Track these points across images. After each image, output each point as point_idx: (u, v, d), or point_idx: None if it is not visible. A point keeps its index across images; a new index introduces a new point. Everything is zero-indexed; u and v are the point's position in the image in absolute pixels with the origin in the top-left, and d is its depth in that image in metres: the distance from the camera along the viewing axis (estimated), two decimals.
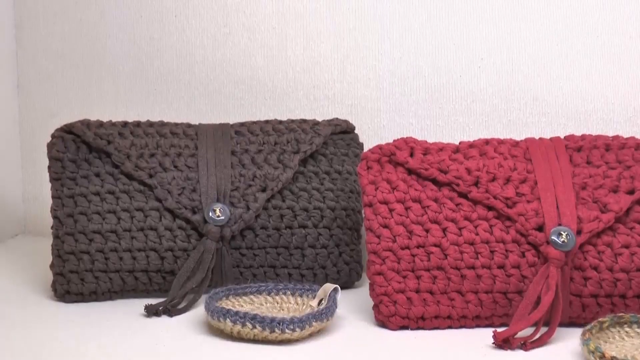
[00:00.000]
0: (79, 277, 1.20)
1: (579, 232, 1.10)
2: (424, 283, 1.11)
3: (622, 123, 1.27)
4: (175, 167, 1.25)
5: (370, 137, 1.36)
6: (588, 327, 1.02)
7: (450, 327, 1.12)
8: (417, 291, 1.11)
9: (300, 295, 1.17)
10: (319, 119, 1.33)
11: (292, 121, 1.31)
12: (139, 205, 1.22)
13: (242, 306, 1.15)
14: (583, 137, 1.19)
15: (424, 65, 1.36)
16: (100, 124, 1.27)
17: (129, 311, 1.16)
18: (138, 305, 1.16)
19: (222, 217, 1.21)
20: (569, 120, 1.31)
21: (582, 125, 1.29)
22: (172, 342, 1.06)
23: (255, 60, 1.42)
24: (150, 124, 1.29)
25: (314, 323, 1.05)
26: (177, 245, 1.21)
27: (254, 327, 1.04)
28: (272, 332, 1.04)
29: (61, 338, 1.08)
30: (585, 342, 0.98)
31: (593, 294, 1.11)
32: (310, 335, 1.07)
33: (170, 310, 1.15)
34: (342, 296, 1.15)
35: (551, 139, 1.19)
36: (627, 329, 1.06)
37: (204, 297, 1.15)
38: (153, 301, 1.16)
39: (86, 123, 1.27)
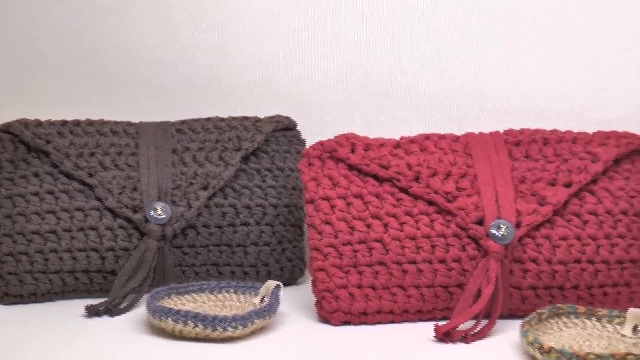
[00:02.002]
0: (18, 278, 1.19)
1: (518, 225, 1.11)
2: (366, 278, 1.12)
3: (560, 117, 1.28)
4: (116, 166, 1.24)
5: (313, 134, 1.36)
6: (527, 318, 1.03)
7: (392, 321, 1.12)
8: (359, 286, 1.12)
9: (243, 293, 1.17)
10: (262, 116, 1.33)
11: (234, 118, 1.31)
12: (79, 205, 1.21)
13: (184, 305, 1.15)
14: (522, 131, 1.21)
15: (366, 62, 1.36)
16: (38, 123, 1.26)
17: (69, 312, 1.15)
18: (79, 306, 1.15)
19: (164, 216, 1.20)
20: (508, 115, 1.32)
21: (522, 119, 1.30)
22: (113, 343, 1.05)
23: (197, 58, 1.41)
24: (90, 122, 1.28)
25: (256, 320, 1.05)
26: (118, 245, 1.20)
27: (196, 325, 1.03)
28: (214, 330, 1.03)
29: (0, 341, 1.06)
30: (524, 334, 0.99)
31: (532, 286, 1.12)
32: (253, 333, 1.07)
33: (112, 310, 1.14)
34: (285, 293, 1.15)
35: (491, 134, 1.20)
36: (565, 320, 1.07)
37: (145, 297, 1.14)
38: (94, 302, 1.15)
39: (24, 122, 1.25)
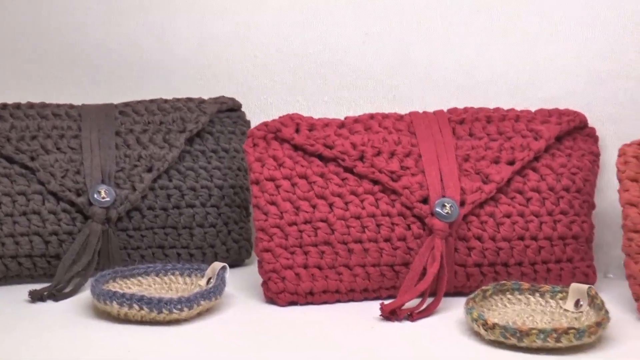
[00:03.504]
0: None
1: (462, 204, 1.12)
2: (312, 258, 1.12)
3: (503, 95, 1.29)
4: (58, 149, 1.22)
5: (257, 115, 1.35)
6: (471, 295, 1.04)
7: (338, 301, 1.13)
8: (305, 267, 1.12)
9: (189, 275, 1.16)
10: (206, 97, 1.32)
11: (178, 100, 1.30)
12: (21, 189, 1.19)
13: (129, 288, 1.14)
14: (465, 109, 1.21)
15: (309, 42, 1.36)
16: None
17: (12, 298, 1.13)
18: (22, 291, 1.13)
19: (108, 199, 1.19)
20: (453, 94, 1.32)
21: (466, 98, 1.30)
22: (58, 328, 1.04)
23: (141, 40, 1.39)
24: (31, 105, 1.26)
25: (202, 302, 1.05)
26: (61, 229, 1.19)
27: (141, 308, 1.03)
28: (159, 313, 1.03)
29: None
30: (469, 311, 1.00)
31: (477, 264, 1.13)
32: (199, 315, 1.06)
33: (56, 295, 1.13)
34: (232, 274, 1.15)
35: (435, 113, 1.21)
36: (510, 296, 1.08)
37: (90, 281, 1.13)
38: (38, 286, 1.14)
39: None
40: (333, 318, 1.07)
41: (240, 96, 1.36)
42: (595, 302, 1.03)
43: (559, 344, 0.94)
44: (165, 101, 1.29)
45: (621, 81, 1.25)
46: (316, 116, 1.21)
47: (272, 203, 1.13)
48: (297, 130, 1.17)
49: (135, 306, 1.03)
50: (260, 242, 1.12)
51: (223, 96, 1.32)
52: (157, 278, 1.16)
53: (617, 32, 1.26)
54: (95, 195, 1.19)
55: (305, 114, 1.21)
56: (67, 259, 1.16)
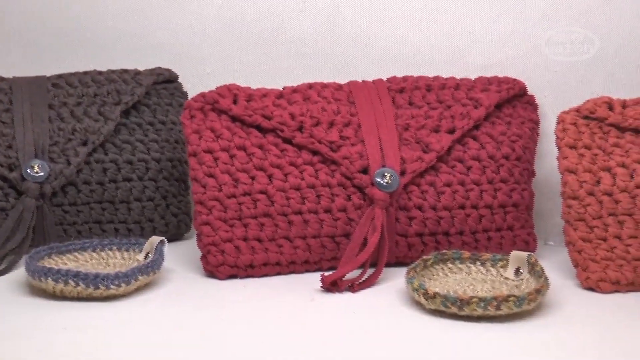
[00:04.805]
0: None
1: (402, 173, 1.11)
2: (252, 231, 1.10)
3: (443, 64, 1.28)
4: None
5: (195, 86, 1.33)
6: (412, 265, 1.04)
7: (279, 273, 1.12)
8: (245, 239, 1.10)
9: (127, 250, 1.14)
10: (142, 69, 1.29)
11: (113, 72, 1.27)
12: None
13: (65, 264, 1.12)
14: (405, 78, 1.21)
15: (247, 10, 1.33)
16: None
17: None
18: None
19: (42, 174, 1.17)
20: (392, 62, 1.31)
21: (406, 67, 1.29)
22: None
23: (72, 9, 1.36)
24: None
25: (139, 277, 1.03)
26: None
27: (77, 284, 1.01)
28: (96, 288, 1.01)
29: None
30: (410, 280, 1.00)
31: (418, 233, 1.13)
32: (138, 290, 1.05)
33: None
34: (171, 248, 1.13)
35: (374, 82, 1.20)
36: (450, 265, 1.08)
37: (25, 258, 1.10)
38: None
39: None
40: (273, 290, 1.06)
41: (178, 67, 1.33)
42: (535, 270, 1.04)
43: (499, 312, 0.94)
44: (100, 73, 1.27)
45: (559, 48, 1.25)
46: (255, 86, 1.19)
47: (211, 175, 1.11)
48: (234, 101, 1.15)
49: (71, 282, 1.01)
50: (199, 216, 1.11)
51: (159, 67, 1.30)
52: (94, 254, 1.14)
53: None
54: (29, 170, 1.16)
55: (243, 84, 1.20)
56: (1, 236, 1.13)
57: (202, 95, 1.15)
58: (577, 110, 1.11)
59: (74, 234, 1.20)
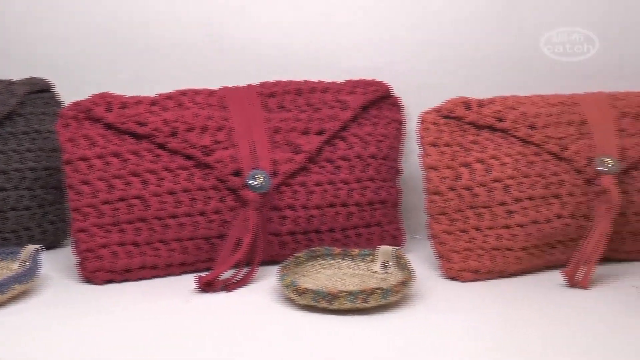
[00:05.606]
0: None
1: (274, 174, 1.15)
2: (128, 235, 1.12)
3: (315, 68, 1.32)
4: None
5: (74, 95, 1.33)
6: (285, 263, 1.07)
7: (156, 276, 1.14)
8: (121, 244, 1.12)
9: (4, 260, 1.14)
10: (16, 78, 1.29)
11: None
12: None
13: None
14: (276, 83, 1.24)
15: (123, 20, 1.35)
16: None
17: None
18: None
19: None
20: (267, 68, 1.34)
21: (280, 72, 1.33)
22: None
23: None
24: None
25: (15, 286, 1.04)
26: None
27: None
28: None
29: None
30: (282, 278, 1.03)
31: (290, 232, 1.16)
32: (14, 299, 1.05)
33: None
34: (49, 256, 1.14)
35: (246, 87, 1.23)
36: (322, 262, 1.12)
37: None
38: None
39: None
40: (150, 293, 1.08)
41: (55, 77, 1.34)
42: (401, 263, 1.08)
43: (367, 304, 0.98)
44: None
45: (422, 51, 1.30)
46: (131, 94, 1.21)
47: (86, 182, 1.13)
48: (109, 109, 1.16)
49: None
50: (75, 222, 1.12)
51: (33, 77, 1.30)
52: None
53: (418, 2, 1.31)
54: None
55: (120, 92, 1.21)
56: None
57: (76, 103, 1.17)
58: (438, 110, 1.16)
59: None
